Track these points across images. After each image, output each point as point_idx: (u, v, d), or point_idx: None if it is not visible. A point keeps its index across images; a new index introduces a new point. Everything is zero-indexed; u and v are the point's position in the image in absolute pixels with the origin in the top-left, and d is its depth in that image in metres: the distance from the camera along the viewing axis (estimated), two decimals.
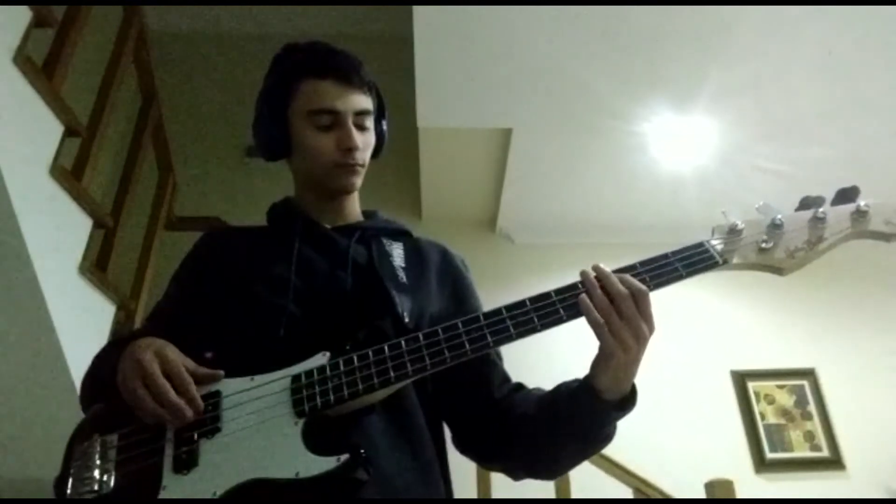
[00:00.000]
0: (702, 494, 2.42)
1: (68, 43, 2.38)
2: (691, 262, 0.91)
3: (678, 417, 3.70)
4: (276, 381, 0.88)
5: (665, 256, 0.92)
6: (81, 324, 2.43)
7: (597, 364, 0.89)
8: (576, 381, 0.93)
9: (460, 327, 0.88)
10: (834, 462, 3.76)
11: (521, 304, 0.89)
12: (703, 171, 3.86)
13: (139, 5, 3.09)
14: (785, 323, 4.13)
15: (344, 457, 0.81)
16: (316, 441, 0.84)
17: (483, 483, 2.76)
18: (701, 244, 0.93)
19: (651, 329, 0.87)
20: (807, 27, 3.05)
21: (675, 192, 4.00)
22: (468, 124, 3.67)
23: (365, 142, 1.09)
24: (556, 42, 3.12)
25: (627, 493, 2.73)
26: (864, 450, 3.75)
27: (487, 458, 1.07)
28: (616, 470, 2.68)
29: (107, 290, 2.64)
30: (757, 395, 3.94)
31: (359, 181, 1.11)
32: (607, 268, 0.89)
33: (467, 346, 0.87)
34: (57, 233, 2.33)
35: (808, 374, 4.00)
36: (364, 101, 1.08)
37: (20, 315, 2.19)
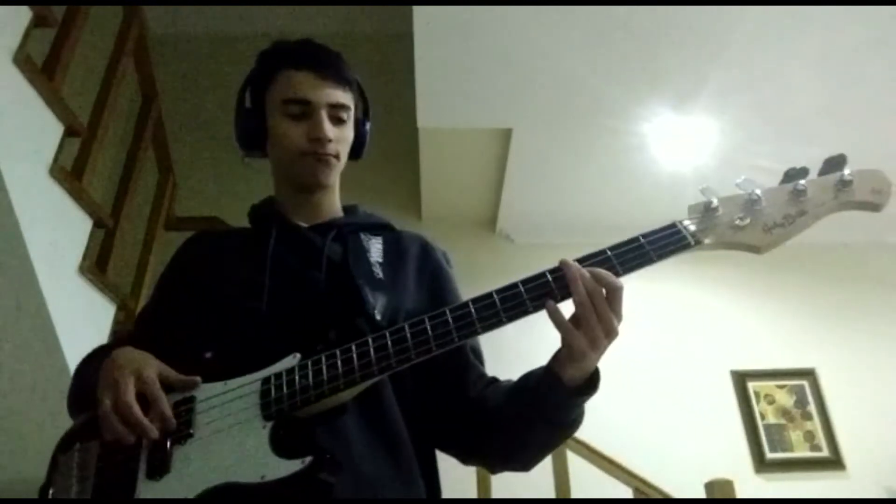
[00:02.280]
0: (702, 494, 2.42)
1: (68, 43, 2.38)
2: (662, 244, 0.87)
3: (678, 417, 3.70)
4: (247, 385, 0.88)
5: (636, 240, 0.88)
6: (81, 324, 2.43)
7: (563, 361, 0.87)
8: (540, 368, 0.92)
9: (426, 322, 0.86)
10: (834, 462, 3.76)
11: (487, 296, 0.87)
12: (703, 171, 3.85)
13: (139, 6, 3.09)
14: (785, 323, 4.13)
15: (308, 459, 0.80)
16: (286, 444, 0.83)
17: (483, 483, 2.75)
18: (673, 225, 0.89)
19: (620, 322, 0.84)
20: (807, 27, 3.05)
21: (675, 192, 3.99)
22: (468, 124, 3.67)
23: (339, 135, 1.07)
24: (556, 42, 3.12)
25: (627, 493, 2.73)
26: (864, 450, 3.75)
27: (465, 455, 1.06)
28: (616, 470, 2.68)
29: (107, 290, 2.64)
30: (757, 395, 3.93)
31: (332, 175, 1.09)
32: (573, 261, 0.86)
33: (432, 342, 0.85)
34: (57, 233, 2.33)
35: (808, 374, 3.99)
36: (341, 96, 1.08)
37: (20, 315, 2.19)
